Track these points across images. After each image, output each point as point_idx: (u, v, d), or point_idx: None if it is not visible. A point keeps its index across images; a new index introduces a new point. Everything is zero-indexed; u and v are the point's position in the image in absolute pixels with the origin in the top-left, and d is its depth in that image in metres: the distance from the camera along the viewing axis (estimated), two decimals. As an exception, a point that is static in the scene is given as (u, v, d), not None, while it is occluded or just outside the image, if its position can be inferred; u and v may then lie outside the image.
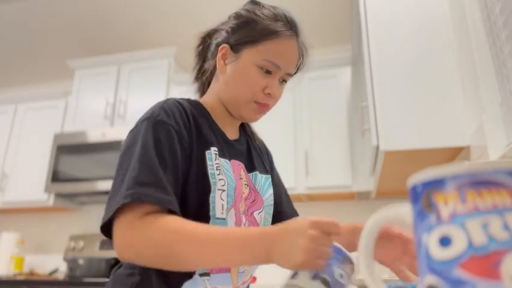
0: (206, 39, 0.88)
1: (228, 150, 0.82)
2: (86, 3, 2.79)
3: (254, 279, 2.29)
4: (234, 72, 0.79)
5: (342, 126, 2.51)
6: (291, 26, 0.81)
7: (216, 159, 0.76)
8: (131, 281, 0.73)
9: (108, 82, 2.96)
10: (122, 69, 2.97)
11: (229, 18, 0.84)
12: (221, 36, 0.83)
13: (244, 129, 0.94)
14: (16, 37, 3.14)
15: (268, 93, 0.79)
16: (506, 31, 1.08)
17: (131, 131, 0.73)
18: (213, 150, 0.76)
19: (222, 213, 0.73)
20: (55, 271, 2.84)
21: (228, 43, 0.80)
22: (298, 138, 2.54)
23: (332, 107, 2.57)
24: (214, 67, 0.85)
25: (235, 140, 0.86)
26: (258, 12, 0.80)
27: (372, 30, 1.66)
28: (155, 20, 2.90)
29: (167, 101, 0.76)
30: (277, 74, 0.80)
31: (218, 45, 0.82)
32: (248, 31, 0.79)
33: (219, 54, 0.81)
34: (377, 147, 1.56)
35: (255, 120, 0.84)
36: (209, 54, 0.87)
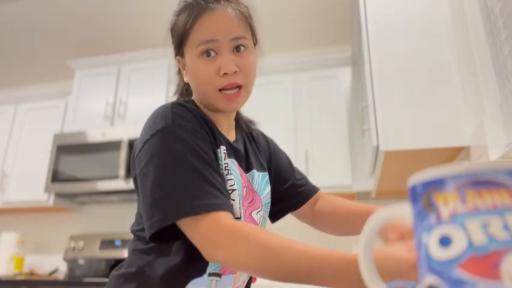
0: None
1: (231, 150, 0.82)
2: (87, 3, 2.79)
3: (255, 279, 2.29)
4: (188, 76, 0.80)
5: (342, 126, 2.51)
6: (207, 2, 0.75)
7: (225, 159, 0.76)
8: (129, 285, 0.73)
9: (108, 82, 2.96)
10: (122, 69, 2.98)
11: None
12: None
13: (239, 125, 0.93)
14: (16, 37, 3.14)
15: (224, 73, 0.73)
16: (506, 31, 1.08)
17: (146, 142, 0.70)
18: (222, 149, 0.76)
19: (236, 212, 0.73)
20: (55, 271, 2.84)
21: (178, 55, 0.82)
22: (298, 138, 2.54)
23: (332, 107, 2.57)
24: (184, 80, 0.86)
25: (234, 142, 0.86)
26: (175, 12, 0.81)
27: (372, 30, 1.66)
28: (156, 20, 2.90)
29: (173, 106, 0.73)
30: (221, 48, 0.74)
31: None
32: (176, 33, 0.79)
33: (181, 68, 0.84)
34: (377, 147, 1.56)
35: (235, 108, 0.78)
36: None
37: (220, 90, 0.75)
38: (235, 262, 0.61)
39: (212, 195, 0.64)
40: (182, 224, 0.64)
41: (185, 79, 0.82)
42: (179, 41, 0.79)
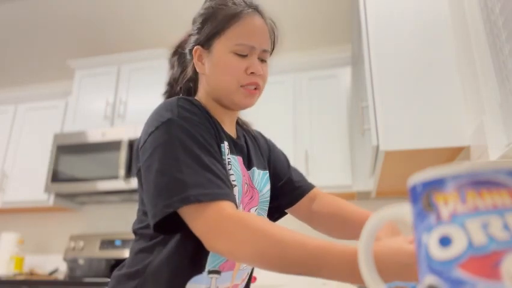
0: (178, 50, 0.91)
1: (234, 146, 0.83)
2: (87, 3, 2.79)
3: (254, 279, 2.29)
4: (212, 66, 0.81)
5: (342, 126, 2.51)
6: (249, 4, 0.83)
7: (228, 154, 0.77)
8: (132, 284, 0.73)
9: (108, 82, 2.96)
10: (122, 69, 2.98)
11: (193, 22, 0.87)
12: (191, 41, 0.85)
13: (239, 125, 0.95)
14: (16, 37, 3.14)
15: (252, 72, 0.79)
16: (506, 31, 1.08)
17: (151, 134, 0.71)
18: (226, 145, 0.78)
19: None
20: (55, 271, 2.84)
21: (198, 44, 0.83)
22: (298, 138, 2.54)
23: (332, 107, 2.57)
24: (194, 72, 0.87)
25: (236, 139, 0.87)
26: (214, 4, 0.83)
27: (372, 30, 1.66)
28: (156, 20, 2.90)
29: (179, 100, 0.75)
30: (254, 54, 0.81)
31: (191, 50, 0.84)
32: (212, 23, 0.81)
33: (195, 58, 0.83)
34: (377, 147, 1.56)
35: (251, 104, 0.83)
36: (186, 63, 0.89)
37: (241, 86, 0.80)
38: (237, 252, 0.61)
39: (216, 185, 0.65)
40: (184, 213, 0.64)
41: (199, 70, 0.84)
42: (213, 30, 0.81)
